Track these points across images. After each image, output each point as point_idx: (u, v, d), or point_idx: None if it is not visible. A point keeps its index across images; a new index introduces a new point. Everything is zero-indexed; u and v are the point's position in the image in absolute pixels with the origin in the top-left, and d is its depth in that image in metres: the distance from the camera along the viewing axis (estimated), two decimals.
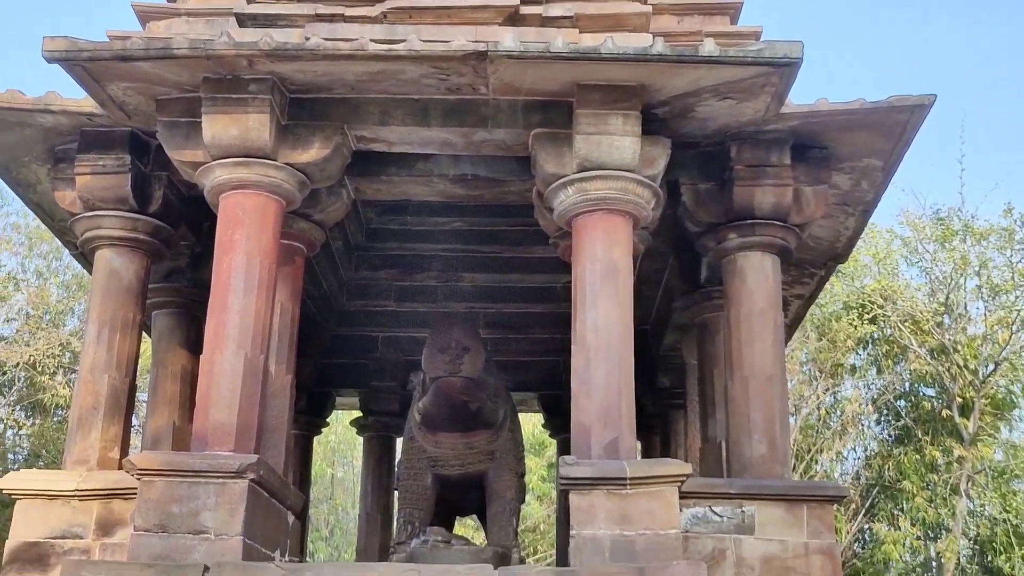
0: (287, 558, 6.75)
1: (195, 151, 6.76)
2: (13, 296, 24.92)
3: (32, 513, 7.00)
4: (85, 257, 8.31)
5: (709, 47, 6.35)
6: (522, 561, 9.46)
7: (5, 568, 6.95)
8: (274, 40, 6.32)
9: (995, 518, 23.73)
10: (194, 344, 8.02)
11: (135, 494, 6.26)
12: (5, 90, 7.18)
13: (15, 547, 6.95)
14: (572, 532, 6.15)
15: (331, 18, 7.46)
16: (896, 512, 24.46)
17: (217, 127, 6.58)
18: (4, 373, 24.36)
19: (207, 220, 7.14)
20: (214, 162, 6.70)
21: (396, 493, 10.08)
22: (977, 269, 24.34)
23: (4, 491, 7.26)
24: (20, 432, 25.21)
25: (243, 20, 7.49)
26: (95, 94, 6.82)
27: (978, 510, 24.04)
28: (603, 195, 6.72)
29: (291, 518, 7.26)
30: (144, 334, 8.45)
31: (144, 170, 7.57)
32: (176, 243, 8.14)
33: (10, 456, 24.38)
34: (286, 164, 6.76)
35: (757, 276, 7.51)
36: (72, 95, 7.22)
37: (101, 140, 7.44)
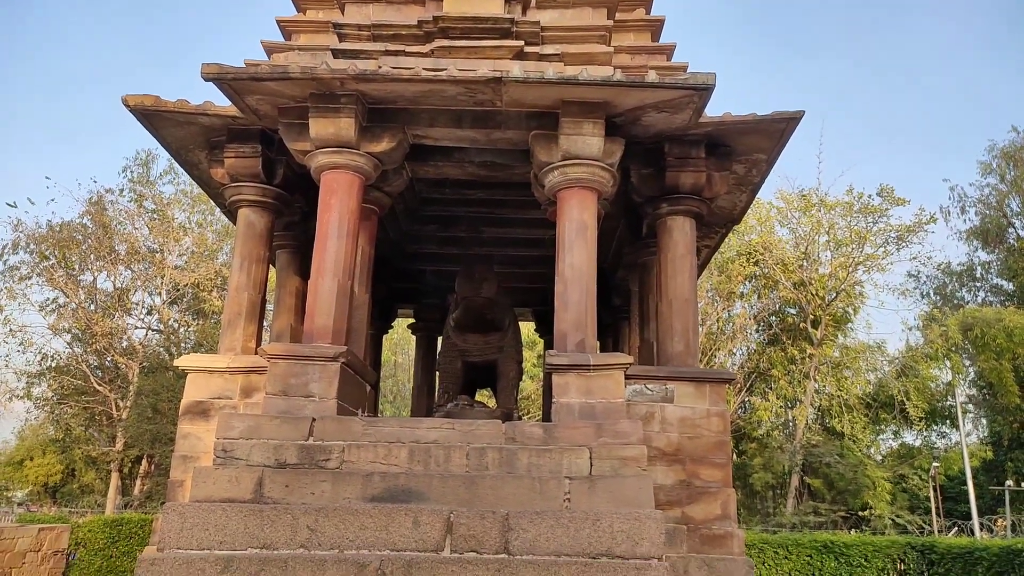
0: (366, 414, 6.85)
1: (304, 143, 6.68)
2: (183, 239, 24.97)
3: (198, 382, 7.10)
4: (231, 213, 8.28)
5: (652, 76, 6.24)
6: (520, 418, 9.57)
7: (181, 417, 7.06)
8: (358, 68, 6.22)
9: (832, 395, 24.01)
10: (304, 272, 8.03)
11: (266, 370, 6.34)
12: (176, 99, 7.10)
13: (187, 404, 7.06)
14: (553, 400, 6.21)
15: (396, 53, 7.32)
16: (767, 390, 24.75)
17: (319, 127, 6.50)
18: (178, 290, 24.53)
19: (312, 189, 7.09)
20: (317, 151, 6.63)
21: (437, 373, 10.17)
22: (827, 229, 24.28)
23: (180, 367, 7.33)
24: (189, 329, 25.47)
25: (337, 54, 7.35)
26: (236, 103, 6.72)
27: (821, 389, 24.30)
28: (578, 176, 6.65)
29: (368, 388, 7.34)
30: (271, 266, 8.46)
31: (270, 155, 7.50)
32: (292, 204, 8.09)
33: (182, 345, 24.66)
34: (366, 153, 6.68)
35: (680, 233, 7.47)
36: (212, 100, 7.16)
37: (242, 134, 7.37)
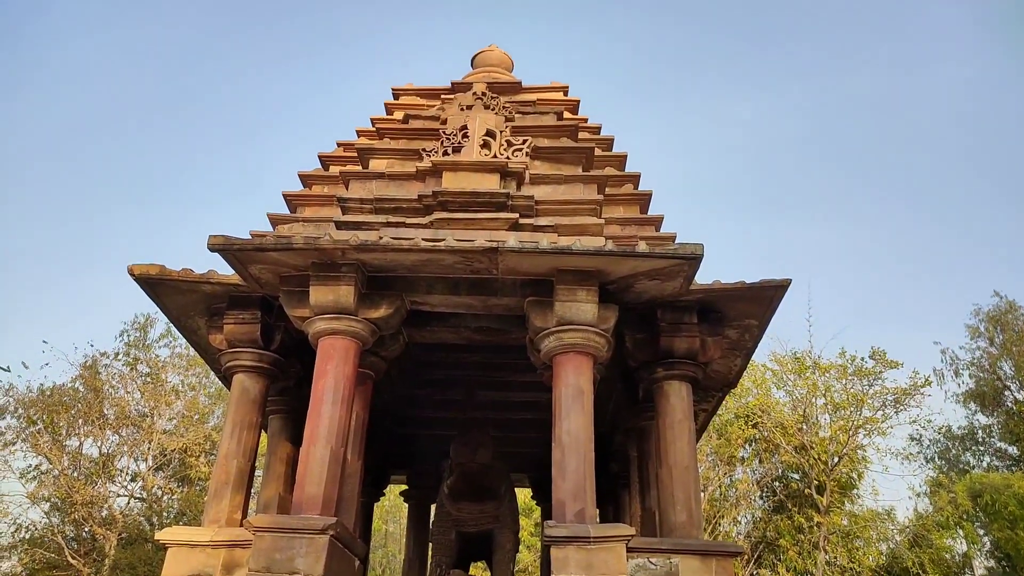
0: None
1: (304, 309, 6.79)
2: (175, 403, 24.69)
3: (178, 557, 6.70)
4: (226, 379, 8.22)
5: (642, 246, 6.47)
6: None
7: None
8: (359, 239, 6.46)
9: (844, 566, 22.84)
10: (296, 439, 7.86)
11: (250, 544, 6.04)
12: (181, 268, 7.29)
13: None
14: (552, 575, 5.90)
15: (397, 225, 7.62)
16: (776, 562, 23.58)
17: (319, 294, 6.64)
18: (165, 455, 23.91)
19: (309, 354, 7.12)
20: (316, 317, 6.73)
21: (430, 544, 9.72)
22: (823, 392, 24.20)
23: (160, 541, 6.98)
24: (173, 497, 24.56)
25: (339, 225, 7.66)
26: (240, 272, 6.90)
27: (832, 560, 23.13)
28: (573, 342, 6.72)
29: (357, 563, 6.97)
30: (263, 431, 8.31)
31: (269, 321, 7.58)
32: (288, 370, 8.07)
33: (164, 514, 23.67)
34: (364, 319, 6.78)
35: (677, 397, 7.42)
36: (215, 268, 7.33)
37: (242, 301, 7.49)
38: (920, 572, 22.56)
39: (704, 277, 7.13)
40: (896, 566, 23.61)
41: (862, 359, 23.84)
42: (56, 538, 22.05)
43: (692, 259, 6.43)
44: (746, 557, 23.10)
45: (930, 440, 29.55)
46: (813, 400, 24.23)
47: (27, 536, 22.51)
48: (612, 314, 6.85)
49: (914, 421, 25.09)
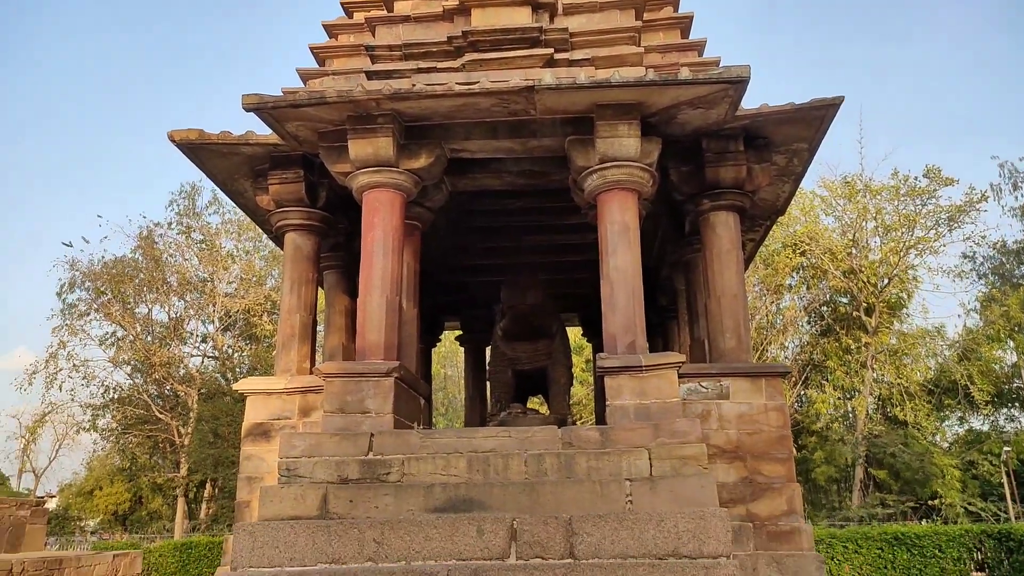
0: (422, 427, 6.91)
1: (345, 164, 6.81)
2: (232, 267, 25.58)
3: (257, 404, 7.26)
4: (278, 238, 8.45)
5: (684, 73, 6.22)
6: (574, 423, 9.57)
7: (244, 439, 7.22)
8: (392, 88, 6.34)
9: (891, 383, 23.44)
10: (352, 291, 8.16)
11: (321, 389, 6.47)
12: (219, 131, 7.31)
13: (249, 426, 7.23)
14: (607, 403, 6.19)
15: (428, 70, 7.42)
16: (823, 382, 24.30)
17: (358, 148, 6.62)
18: (230, 317, 25.14)
19: (355, 209, 7.22)
20: (358, 171, 6.75)
21: (488, 383, 10.22)
22: (874, 215, 23.78)
23: (239, 391, 7.51)
24: (243, 354, 26.06)
25: (370, 75, 7.48)
26: (277, 131, 6.89)
27: (879, 378, 23.72)
28: (617, 178, 6.65)
29: (422, 401, 7.42)
30: (319, 287, 8.62)
31: (312, 179, 7.66)
32: (336, 226, 8.23)
33: (237, 370, 25.24)
34: (405, 170, 6.78)
35: (724, 228, 7.39)
36: (254, 130, 7.33)
37: (284, 161, 7.55)
38: (968, 384, 23.02)
39: (750, 105, 6.87)
40: (944, 379, 24.12)
41: (915, 178, 23.16)
42: (143, 396, 23.89)
43: (738, 83, 6.16)
44: (793, 379, 23.82)
45: (984, 257, 29.11)
46: (863, 224, 23.88)
47: (115, 396, 24.43)
48: (655, 148, 6.71)
49: (967, 238, 24.64)
